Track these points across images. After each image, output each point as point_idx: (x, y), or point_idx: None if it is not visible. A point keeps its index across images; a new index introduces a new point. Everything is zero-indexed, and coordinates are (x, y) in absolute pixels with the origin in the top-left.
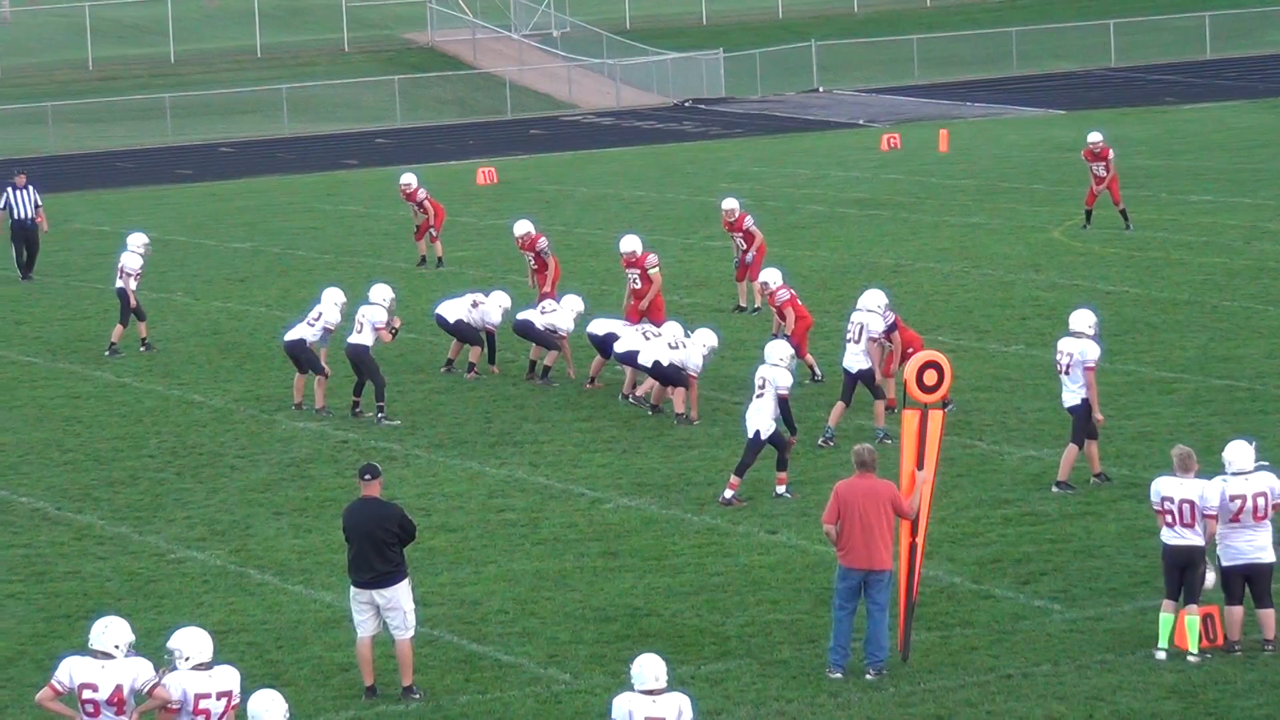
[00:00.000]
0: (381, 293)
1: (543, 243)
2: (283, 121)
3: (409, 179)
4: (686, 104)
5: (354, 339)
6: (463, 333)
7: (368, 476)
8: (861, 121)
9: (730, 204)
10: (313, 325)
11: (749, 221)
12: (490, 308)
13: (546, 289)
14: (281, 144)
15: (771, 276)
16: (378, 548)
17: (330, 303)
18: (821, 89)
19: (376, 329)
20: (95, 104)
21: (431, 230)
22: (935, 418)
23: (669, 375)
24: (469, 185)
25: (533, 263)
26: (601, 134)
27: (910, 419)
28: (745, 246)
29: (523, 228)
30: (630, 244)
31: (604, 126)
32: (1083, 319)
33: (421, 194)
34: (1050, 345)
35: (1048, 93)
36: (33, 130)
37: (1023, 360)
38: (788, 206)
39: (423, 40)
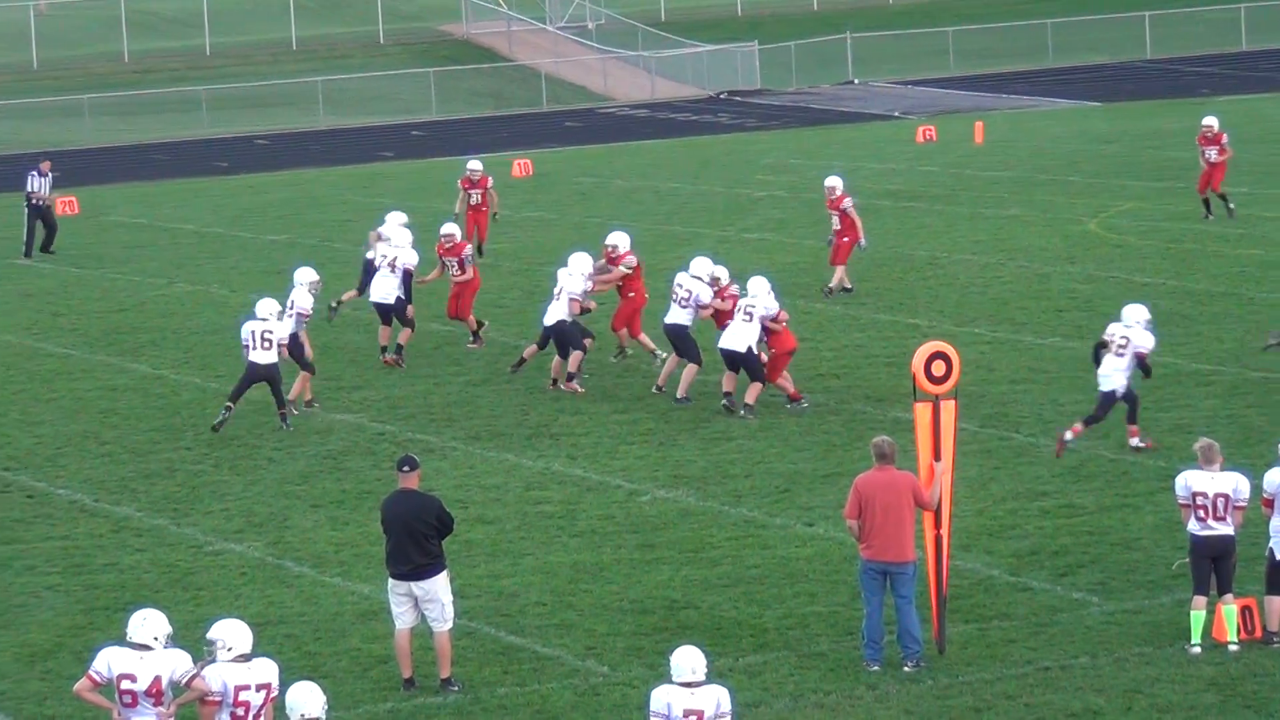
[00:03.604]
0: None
1: (847, 202)
2: (318, 114)
3: (477, 165)
4: (721, 96)
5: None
6: (564, 336)
7: (406, 468)
8: (897, 113)
9: (832, 181)
10: (290, 315)
11: (848, 203)
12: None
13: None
14: (317, 136)
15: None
16: (416, 540)
17: (300, 284)
18: (857, 81)
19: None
20: (131, 97)
21: (495, 214)
22: (947, 408)
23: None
24: (504, 177)
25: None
26: (637, 126)
27: (923, 411)
28: (840, 227)
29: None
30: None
31: (639, 119)
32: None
33: (490, 181)
34: (1086, 337)
35: (1083, 84)
36: (69, 123)
37: (1059, 352)
38: (824, 199)
39: (458, 32)
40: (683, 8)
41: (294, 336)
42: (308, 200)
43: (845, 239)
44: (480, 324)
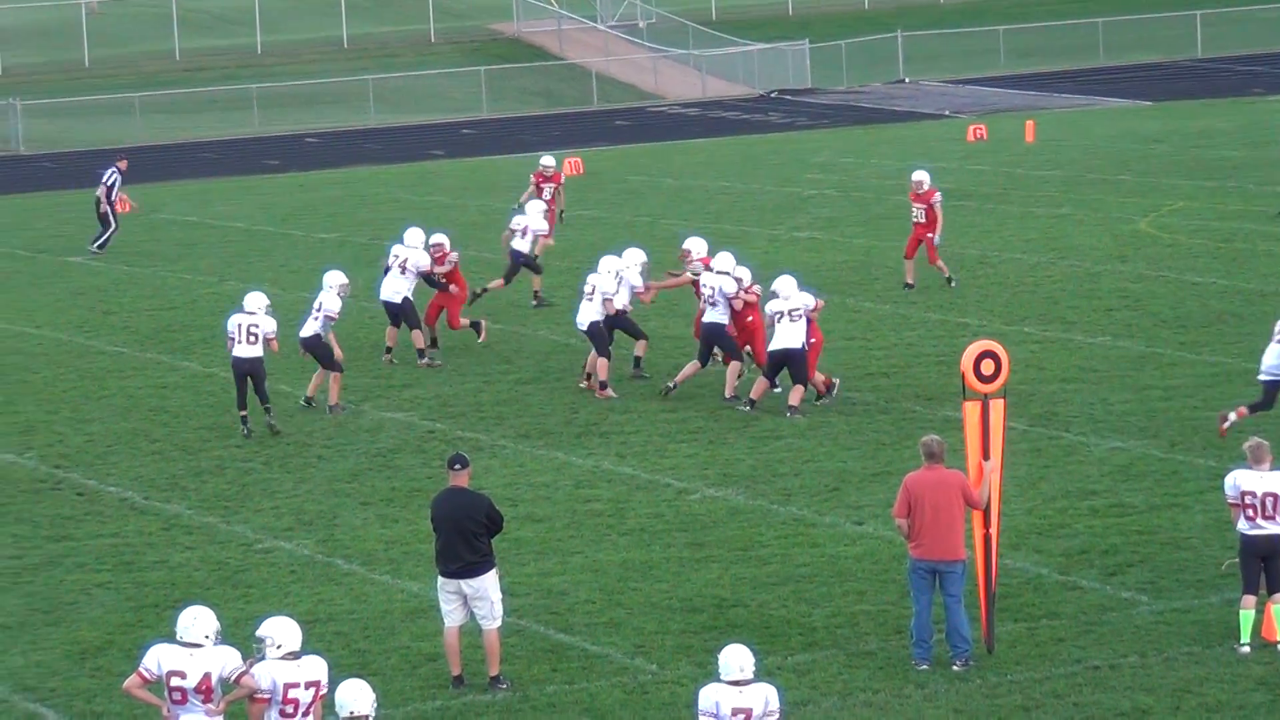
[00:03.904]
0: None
1: (937, 196)
2: (369, 112)
3: (550, 160)
4: (772, 95)
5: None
6: (596, 339)
7: (456, 466)
8: (947, 112)
9: (921, 175)
10: (316, 318)
11: (938, 197)
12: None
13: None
14: (368, 134)
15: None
16: (466, 538)
17: (329, 288)
18: (907, 80)
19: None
20: (182, 95)
21: (561, 212)
22: (996, 407)
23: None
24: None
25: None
26: (687, 125)
27: (972, 410)
28: (925, 221)
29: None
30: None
31: (689, 117)
32: None
33: (562, 177)
34: (1136, 337)
35: (1134, 83)
36: (120, 121)
37: (1109, 351)
38: (874, 198)
39: (509, 31)
40: (734, 6)
41: (318, 338)
42: (358, 199)
43: (929, 234)
44: (434, 341)
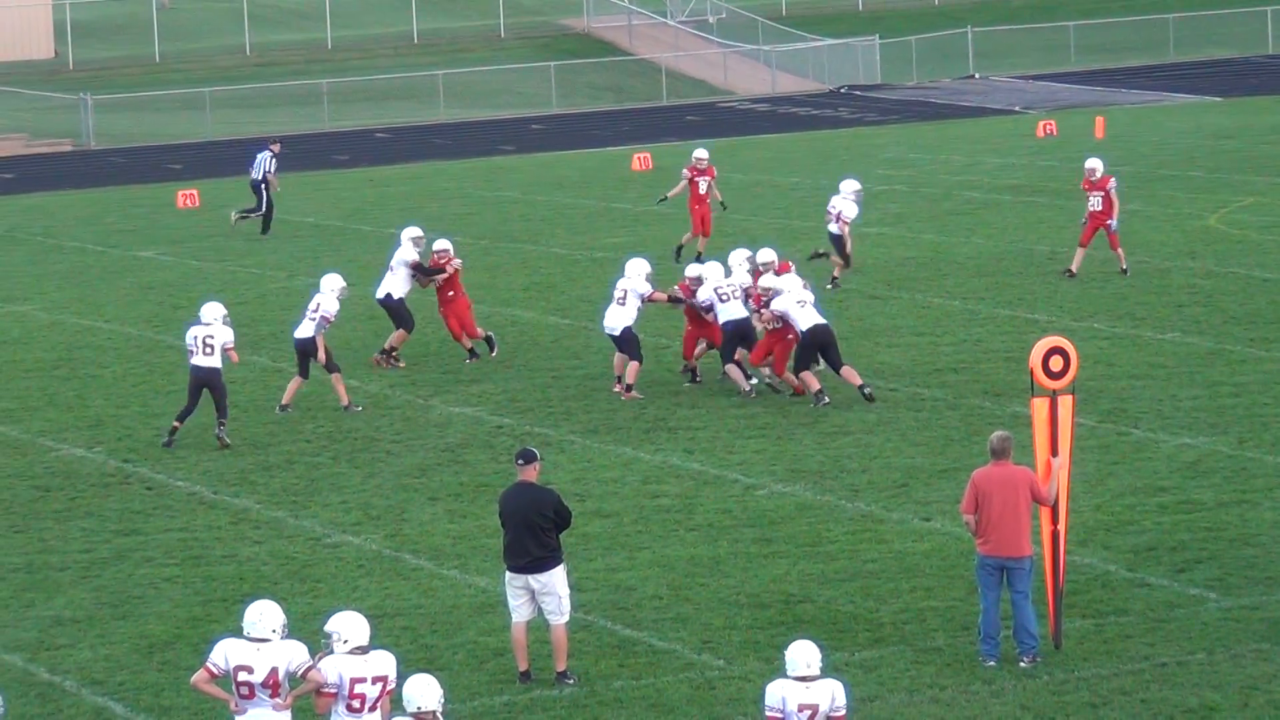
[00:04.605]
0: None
1: (1112, 183)
2: (439, 107)
3: (703, 153)
4: (842, 90)
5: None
6: (625, 344)
7: (524, 461)
8: (1017, 108)
9: (1094, 163)
10: (312, 319)
11: (1113, 184)
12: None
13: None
14: (437, 130)
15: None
16: (534, 533)
17: (328, 290)
18: (977, 75)
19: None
20: (253, 89)
21: (723, 204)
22: (1065, 404)
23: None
24: (624, 171)
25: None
26: (757, 120)
27: (1040, 407)
28: (1102, 209)
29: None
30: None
31: (759, 113)
32: None
33: (715, 170)
34: (1205, 333)
35: (1205, 79)
36: (192, 116)
37: (1178, 348)
38: (943, 193)
39: (579, 26)
40: (803, 2)
41: (312, 340)
42: (428, 194)
43: (1108, 221)
44: (472, 352)
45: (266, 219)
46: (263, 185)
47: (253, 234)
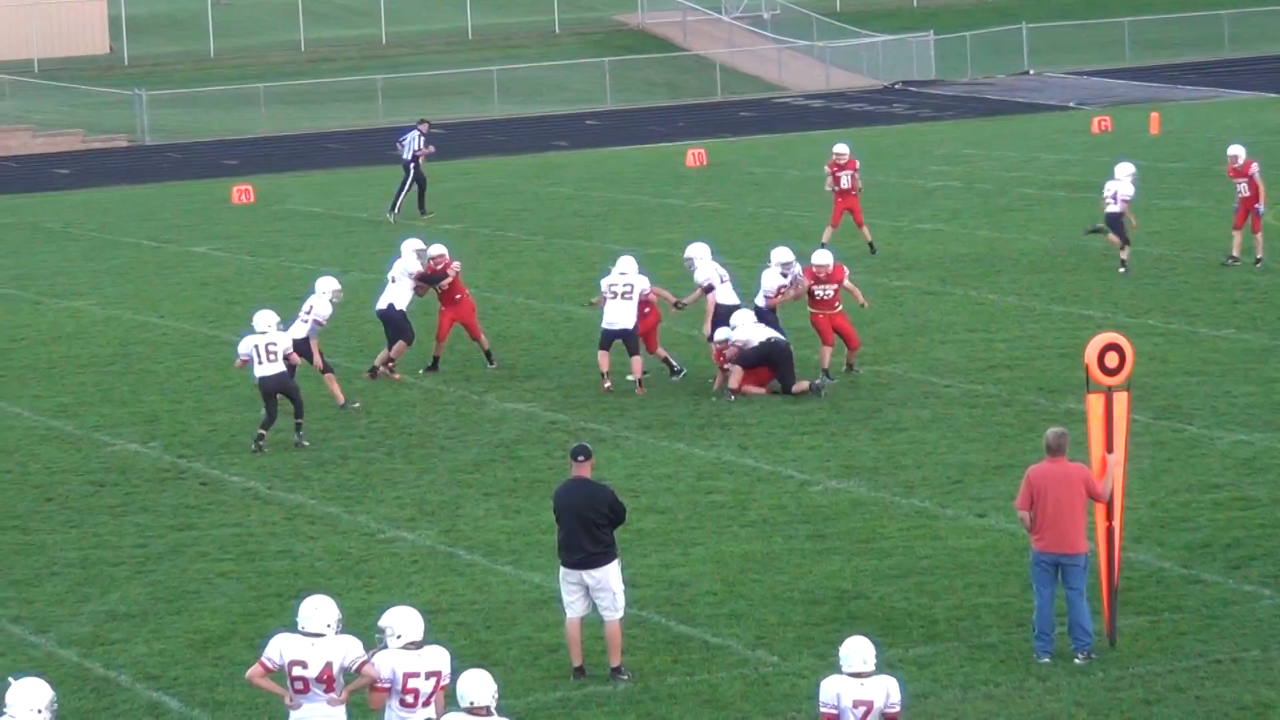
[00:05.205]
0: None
1: (1255, 167)
2: (493, 103)
3: (843, 148)
4: (896, 86)
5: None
6: (627, 340)
7: (580, 457)
8: (1072, 104)
9: (1236, 150)
10: (305, 321)
11: (1255, 168)
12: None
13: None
14: (492, 125)
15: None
16: (588, 529)
17: (321, 293)
18: (1032, 71)
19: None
20: (308, 85)
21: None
22: (1120, 400)
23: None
24: (679, 167)
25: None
26: (811, 116)
27: (1095, 403)
28: (1249, 193)
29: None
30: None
31: (814, 109)
32: None
33: (858, 164)
34: (1261, 329)
35: (1260, 75)
36: (246, 111)
37: (1234, 344)
38: (997, 189)
39: (633, 22)
40: None
41: (305, 342)
42: (482, 189)
43: (1256, 205)
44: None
45: (421, 196)
46: (413, 164)
47: (308, 230)
